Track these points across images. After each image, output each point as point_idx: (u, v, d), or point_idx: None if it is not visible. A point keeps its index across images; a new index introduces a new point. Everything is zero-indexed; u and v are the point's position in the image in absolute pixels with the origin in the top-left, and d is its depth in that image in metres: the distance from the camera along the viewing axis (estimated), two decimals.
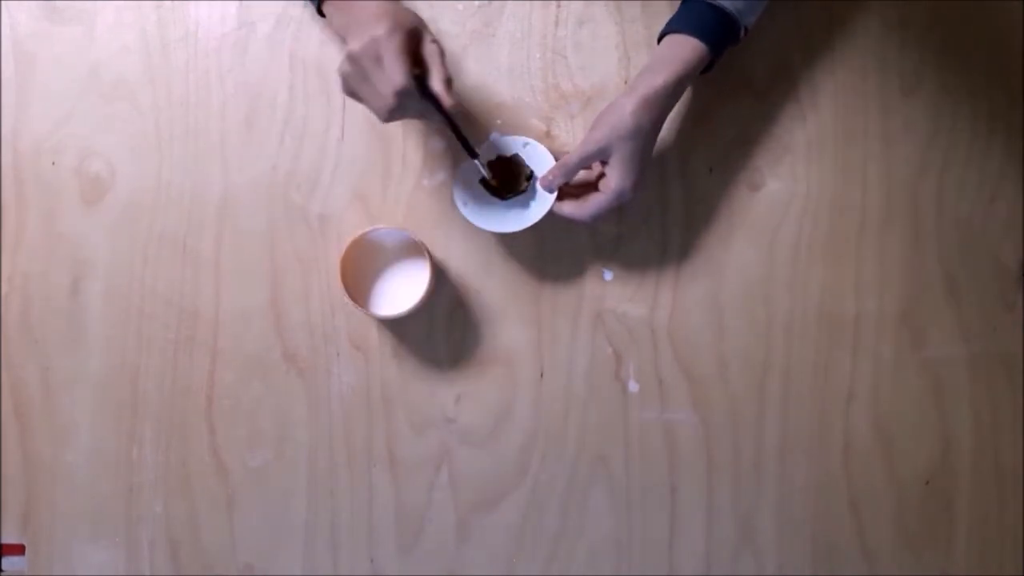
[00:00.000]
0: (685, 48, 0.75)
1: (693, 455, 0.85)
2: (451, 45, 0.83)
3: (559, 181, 0.77)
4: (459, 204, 0.79)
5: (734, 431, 0.85)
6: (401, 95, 0.66)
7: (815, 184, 0.85)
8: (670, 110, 0.77)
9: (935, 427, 0.86)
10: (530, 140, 0.79)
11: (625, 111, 0.73)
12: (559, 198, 0.78)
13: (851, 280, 0.85)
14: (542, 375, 0.85)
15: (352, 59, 0.67)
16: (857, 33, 0.85)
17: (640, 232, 0.85)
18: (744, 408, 0.85)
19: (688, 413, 0.85)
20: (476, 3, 0.84)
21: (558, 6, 0.84)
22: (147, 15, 0.84)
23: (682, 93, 0.77)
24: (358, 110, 0.83)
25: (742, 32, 0.77)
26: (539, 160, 0.79)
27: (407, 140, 0.84)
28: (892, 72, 0.85)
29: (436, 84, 0.68)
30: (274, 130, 0.84)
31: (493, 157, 0.80)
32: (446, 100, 0.68)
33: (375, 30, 0.66)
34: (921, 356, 0.85)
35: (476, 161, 0.77)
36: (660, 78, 0.74)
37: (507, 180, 0.79)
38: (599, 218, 0.77)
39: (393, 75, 0.66)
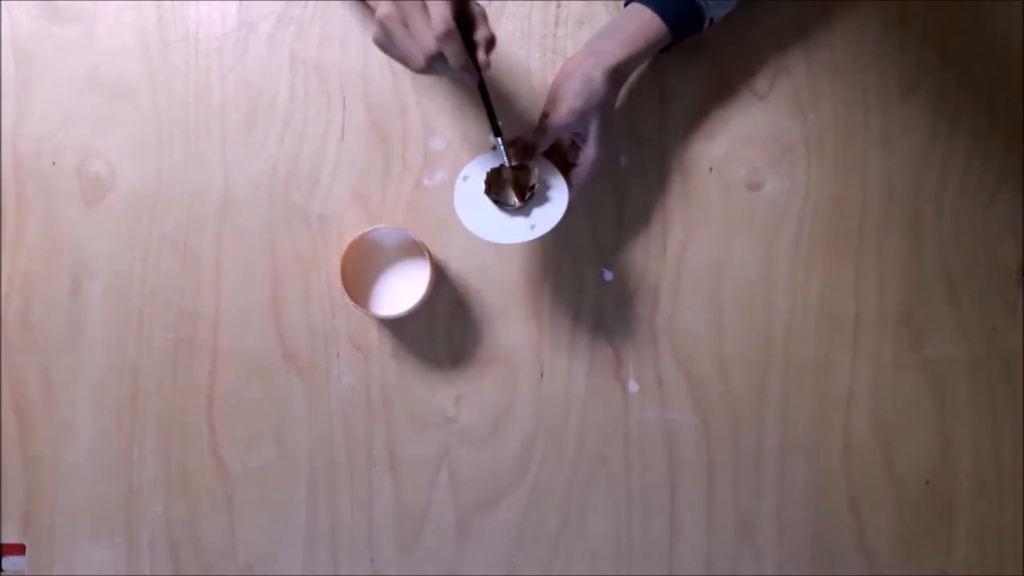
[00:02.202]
0: (650, 27, 0.76)
1: (693, 455, 0.85)
2: None
3: (540, 148, 0.75)
4: (466, 223, 0.75)
5: (734, 431, 0.85)
6: (444, 39, 0.63)
7: (815, 184, 0.85)
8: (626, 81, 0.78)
9: (935, 427, 0.86)
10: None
11: (596, 82, 0.73)
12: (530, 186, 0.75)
13: (851, 280, 0.85)
14: (542, 375, 0.85)
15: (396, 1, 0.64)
16: (857, 33, 0.85)
17: (640, 232, 0.85)
18: (744, 408, 0.85)
19: (688, 413, 0.85)
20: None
21: (558, 6, 0.84)
22: (147, 15, 0.84)
23: (639, 64, 0.78)
24: (358, 110, 0.84)
25: (706, 23, 0.78)
26: (545, 172, 0.76)
27: (407, 140, 0.84)
28: (892, 72, 0.85)
29: (478, 39, 0.66)
30: (274, 130, 0.84)
31: (497, 165, 0.77)
32: (482, 56, 0.66)
33: None
34: (921, 356, 0.85)
35: (498, 140, 0.73)
36: (625, 52, 0.75)
37: (510, 190, 0.76)
38: (581, 189, 0.77)
39: (440, 19, 0.63)
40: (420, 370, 0.85)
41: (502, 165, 0.74)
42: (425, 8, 0.64)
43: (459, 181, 0.76)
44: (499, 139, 0.73)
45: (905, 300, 0.85)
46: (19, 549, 0.84)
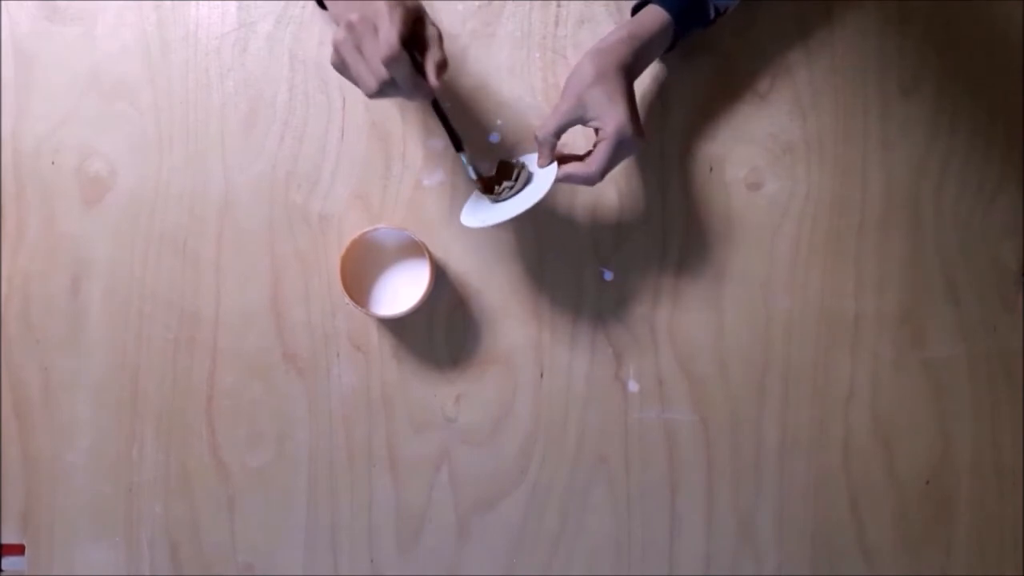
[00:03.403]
0: (646, 14, 0.76)
1: (693, 455, 0.85)
2: (451, 45, 0.83)
3: (547, 154, 0.75)
4: (477, 224, 0.76)
5: (734, 431, 0.85)
6: (391, 63, 0.65)
7: (815, 184, 0.85)
8: (632, 60, 0.75)
9: (935, 427, 0.86)
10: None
11: (583, 67, 0.74)
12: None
13: (851, 280, 0.85)
14: (542, 375, 0.85)
15: (349, 26, 0.66)
16: (857, 33, 0.85)
17: (640, 232, 0.85)
18: (744, 408, 0.85)
19: (688, 413, 0.85)
20: (476, 3, 0.84)
21: (558, 6, 0.84)
22: (147, 15, 0.84)
23: (641, 50, 0.75)
24: (358, 110, 0.84)
25: (712, 12, 0.77)
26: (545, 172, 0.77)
27: (407, 140, 0.84)
28: (892, 72, 0.85)
29: (428, 62, 0.68)
30: (274, 130, 0.84)
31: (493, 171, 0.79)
32: (432, 79, 0.67)
33: (377, 3, 0.66)
34: (921, 356, 0.85)
35: (462, 156, 0.76)
36: (614, 35, 0.75)
37: (503, 181, 0.78)
38: (606, 171, 0.74)
39: (386, 44, 0.65)
40: (420, 370, 0.85)
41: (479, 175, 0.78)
42: (376, 32, 0.66)
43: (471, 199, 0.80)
44: (462, 154, 0.76)
45: (905, 300, 0.85)
46: (19, 549, 0.84)
